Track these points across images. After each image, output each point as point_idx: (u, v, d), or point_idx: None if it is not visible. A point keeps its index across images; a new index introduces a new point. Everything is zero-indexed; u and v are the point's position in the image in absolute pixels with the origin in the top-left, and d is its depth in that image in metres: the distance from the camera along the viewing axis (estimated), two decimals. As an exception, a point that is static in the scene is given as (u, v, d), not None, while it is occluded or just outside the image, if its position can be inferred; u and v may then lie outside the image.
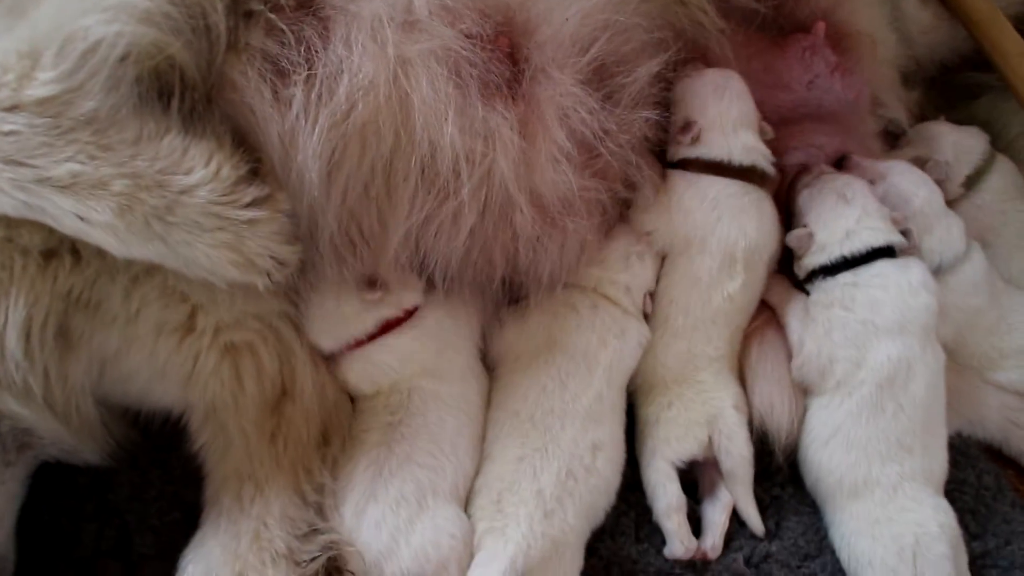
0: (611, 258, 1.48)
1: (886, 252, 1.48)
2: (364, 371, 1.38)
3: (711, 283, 1.47)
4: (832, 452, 1.41)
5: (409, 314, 1.39)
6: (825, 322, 1.46)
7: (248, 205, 1.14)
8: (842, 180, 1.56)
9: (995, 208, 1.73)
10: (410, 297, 1.39)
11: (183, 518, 1.35)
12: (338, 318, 1.37)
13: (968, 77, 1.95)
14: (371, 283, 1.36)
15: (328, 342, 1.38)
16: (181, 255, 1.13)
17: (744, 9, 1.61)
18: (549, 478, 1.30)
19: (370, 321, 1.37)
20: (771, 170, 1.54)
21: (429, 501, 1.29)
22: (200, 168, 1.12)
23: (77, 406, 1.26)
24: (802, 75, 1.64)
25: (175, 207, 1.11)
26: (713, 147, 1.52)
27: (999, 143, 1.82)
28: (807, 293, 1.53)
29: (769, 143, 1.56)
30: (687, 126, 1.52)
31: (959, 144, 1.74)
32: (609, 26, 1.36)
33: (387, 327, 1.38)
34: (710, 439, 1.41)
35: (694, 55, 1.55)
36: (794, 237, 1.52)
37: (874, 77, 1.73)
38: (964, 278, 1.58)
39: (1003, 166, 1.76)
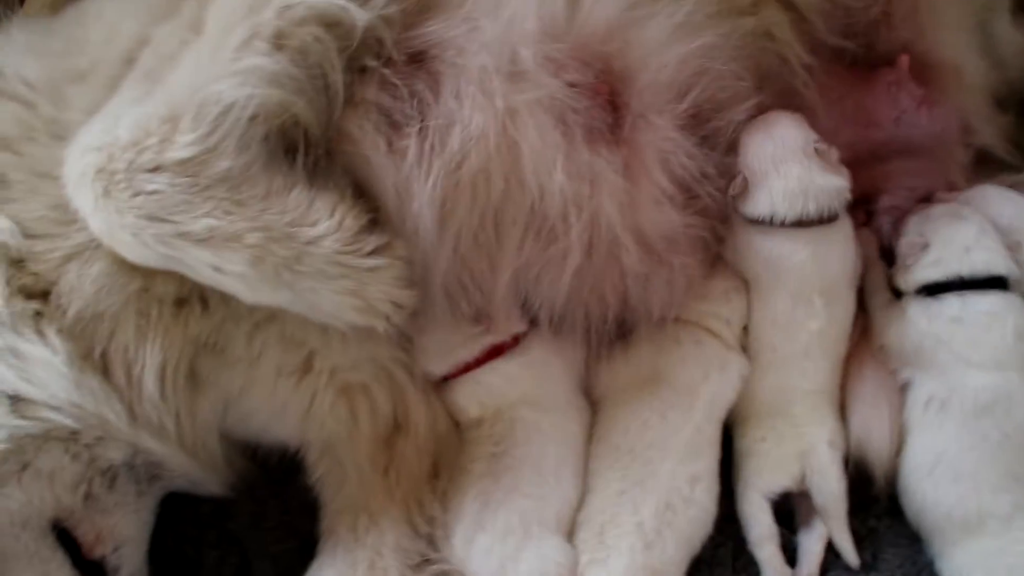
0: (712, 293, 1.48)
1: (1000, 283, 1.43)
2: (472, 393, 1.43)
3: (788, 323, 1.46)
4: (938, 483, 1.37)
5: (516, 341, 1.43)
6: (914, 342, 1.44)
7: (370, 253, 1.19)
8: (953, 205, 1.52)
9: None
10: (515, 326, 1.43)
11: (299, 547, 1.40)
12: (448, 345, 1.42)
13: None
14: (477, 318, 1.41)
15: (439, 367, 1.43)
16: (307, 301, 1.19)
17: (831, 46, 1.59)
18: (649, 510, 1.33)
19: (477, 347, 1.42)
20: (836, 208, 1.45)
21: (535, 530, 1.32)
22: (325, 220, 1.18)
23: (204, 442, 1.33)
24: (889, 111, 1.61)
25: (303, 257, 1.16)
26: (756, 202, 1.44)
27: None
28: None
29: (862, 184, 1.51)
30: (734, 179, 1.45)
31: None
32: (704, 72, 1.38)
33: (494, 352, 1.43)
34: (803, 473, 1.41)
35: (783, 100, 1.53)
36: (906, 244, 1.46)
37: (962, 105, 1.70)
38: None
39: None
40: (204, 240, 1.14)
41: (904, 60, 1.61)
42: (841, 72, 1.63)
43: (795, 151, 1.43)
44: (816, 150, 1.43)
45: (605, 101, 1.34)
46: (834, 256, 1.46)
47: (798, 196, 1.42)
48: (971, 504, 1.34)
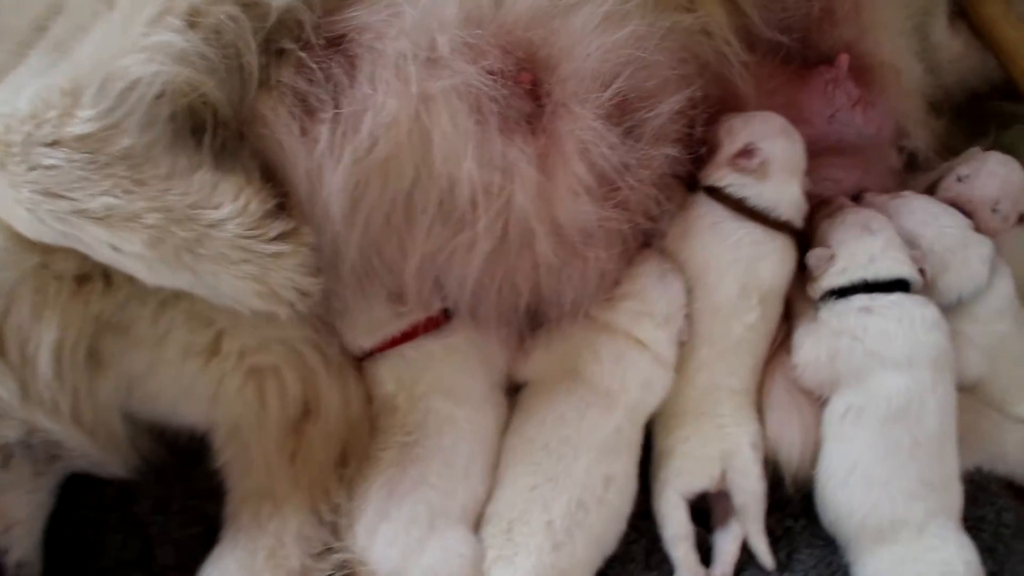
0: (644, 285, 1.46)
1: (904, 286, 1.46)
2: (393, 366, 1.42)
3: (731, 313, 1.46)
4: (852, 491, 1.38)
5: (438, 322, 1.43)
6: (830, 347, 1.44)
7: (274, 239, 1.17)
8: (865, 213, 1.54)
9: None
10: (436, 304, 1.42)
11: (204, 532, 1.38)
12: (376, 321, 1.41)
13: (997, 106, 1.92)
14: (398, 299, 1.40)
15: (366, 340, 1.42)
16: (208, 285, 1.17)
17: (769, 41, 1.60)
18: (560, 509, 1.31)
19: (404, 322, 1.42)
20: (801, 226, 1.53)
21: (440, 522, 1.31)
22: (229, 203, 1.15)
23: (105, 423, 1.30)
24: (823, 109, 1.63)
25: (204, 240, 1.14)
26: (767, 189, 1.49)
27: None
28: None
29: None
30: (749, 152, 1.49)
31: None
32: (631, 61, 1.36)
33: (418, 329, 1.42)
34: (723, 474, 1.41)
35: (717, 90, 1.54)
36: (814, 256, 1.49)
37: (899, 108, 1.71)
38: (989, 306, 1.54)
39: None
40: (102, 219, 1.11)
41: (844, 59, 1.62)
42: (778, 68, 1.64)
43: (803, 166, 1.53)
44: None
45: (526, 90, 1.33)
46: (778, 265, 1.50)
47: (797, 205, 1.51)
48: (885, 512, 1.35)
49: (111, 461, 1.33)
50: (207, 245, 1.14)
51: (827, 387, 1.45)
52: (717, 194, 1.52)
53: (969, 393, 1.50)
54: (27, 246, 1.18)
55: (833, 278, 1.48)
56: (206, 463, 1.40)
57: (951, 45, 1.84)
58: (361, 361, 1.45)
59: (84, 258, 1.18)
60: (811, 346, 1.46)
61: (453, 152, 1.26)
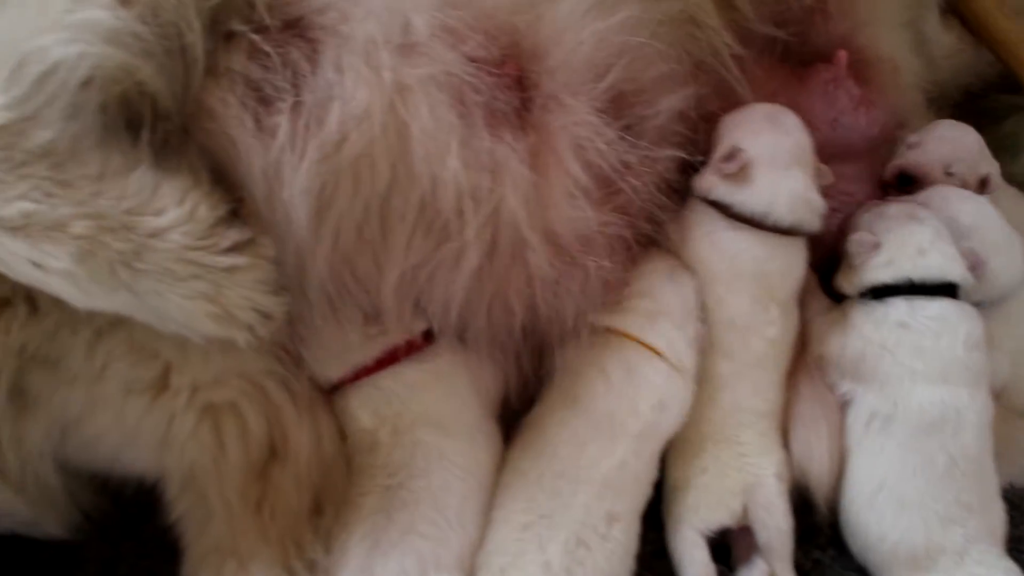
0: (653, 283, 1.37)
1: (950, 291, 1.37)
2: (368, 399, 1.30)
3: (747, 325, 1.37)
4: (882, 513, 1.29)
5: (423, 343, 1.31)
6: (856, 349, 1.37)
7: (228, 250, 1.04)
8: (909, 204, 1.46)
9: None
10: (417, 325, 1.30)
11: (157, 597, 1.26)
12: (343, 347, 1.29)
13: (994, 100, 1.90)
14: (371, 320, 1.29)
15: (333, 370, 1.30)
16: (151, 307, 1.03)
17: (763, 36, 1.53)
18: (557, 548, 1.21)
19: (377, 348, 1.30)
20: (816, 227, 1.42)
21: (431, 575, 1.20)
22: (173, 208, 1.02)
23: (37, 475, 1.18)
24: (826, 112, 1.56)
25: (144, 252, 1.01)
26: (754, 193, 1.38)
27: (1024, 164, 1.76)
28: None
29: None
30: (731, 154, 1.38)
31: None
32: (626, 50, 1.28)
33: (395, 354, 1.30)
34: (745, 508, 1.31)
35: (715, 93, 1.46)
36: (856, 242, 1.40)
37: (898, 104, 1.66)
38: (1021, 306, 1.47)
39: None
40: (18, 228, 0.97)
41: (843, 55, 1.56)
42: (774, 66, 1.58)
43: (806, 157, 1.42)
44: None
45: (512, 80, 1.23)
46: (793, 268, 1.42)
47: (799, 203, 1.39)
48: (919, 537, 1.27)
49: (45, 520, 1.22)
50: (148, 258, 1.01)
51: (848, 384, 1.38)
52: (710, 202, 1.42)
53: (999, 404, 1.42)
54: None
55: (877, 271, 1.39)
56: (158, 517, 1.28)
57: (944, 40, 1.82)
58: (330, 394, 1.34)
59: (2, 279, 1.03)
60: (836, 341, 1.39)
61: (435, 149, 1.15)
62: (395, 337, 1.30)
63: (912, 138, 1.59)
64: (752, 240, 1.38)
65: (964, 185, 1.55)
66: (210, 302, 1.03)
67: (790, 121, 1.43)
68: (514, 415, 1.38)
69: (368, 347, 1.30)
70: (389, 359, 1.30)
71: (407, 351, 1.31)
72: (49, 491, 1.19)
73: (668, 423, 1.33)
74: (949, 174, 1.55)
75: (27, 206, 0.97)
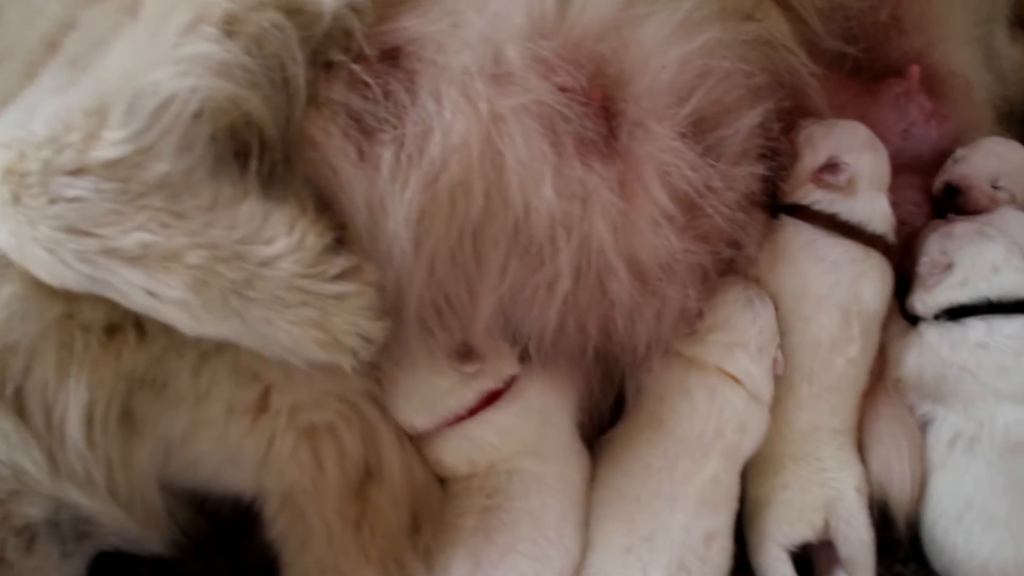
0: (731, 313, 1.36)
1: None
2: (461, 449, 1.28)
3: (832, 346, 1.37)
4: (970, 531, 1.28)
5: (508, 385, 1.29)
6: (935, 371, 1.35)
7: (336, 278, 1.04)
8: (978, 221, 1.44)
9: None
10: (507, 367, 1.29)
11: (254, 614, 1.27)
12: (433, 393, 1.27)
13: None
14: (466, 355, 1.26)
15: (422, 420, 1.27)
16: (260, 333, 1.04)
17: (835, 52, 1.54)
18: (659, 573, 1.21)
19: (470, 395, 1.27)
20: (894, 242, 1.44)
21: None
22: (283, 237, 1.03)
23: (142, 494, 1.18)
24: (897, 123, 1.56)
25: (255, 281, 1.01)
26: (856, 206, 1.40)
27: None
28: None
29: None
30: (834, 167, 1.40)
31: None
32: (709, 73, 1.28)
33: (488, 400, 1.28)
34: (826, 523, 1.30)
35: (793, 104, 1.46)
36: (928, 263, 1.39)
37: (970, 120, 1.65)
38: None
39: None
40: (136, 259, 0.99)
41: (915, 70, 1.57)
42: (846, 80, 1.59)
43: (888, 177, 1.45)
44: None
45: (598, 108, 1.23)
46: (879, 285, 1.41)
47: (889, 220, 1.43)
48: (1009, 554, 1.27)
49: (147, 536, 1.21)
50: (259, 287, 1.02)
51: (928, 405, 1.38)
52: (803, 212, 1.43)
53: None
54: (48, 294, 1.05)
55: (952, 292, 1.38)
56: (254, 534, 1.28)
57: (1012, 54, 1.79)
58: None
59: (114, 306, 1.05)
60: (914, 363, 1.38)
61: (530, 178, 1.15)
62: (488, 382, 1.28)
63: (959, 152, 1.58)
64: (851, 248, 1.40)
65: (1012, 197, 1.54)
66: (318, 329, 1.03)
67: (882, 145, 1.45)
68: (585, 435, 1.38)
69: (462, 393, 1.27)
70: (480, 406, 1.28)
71: (493, 398, 1.29)
72: (152, 510, 1.19)
73: (748, 445, 1.34)
74: (996, 187, 1.54)
75: (145, 237, 0.98)
